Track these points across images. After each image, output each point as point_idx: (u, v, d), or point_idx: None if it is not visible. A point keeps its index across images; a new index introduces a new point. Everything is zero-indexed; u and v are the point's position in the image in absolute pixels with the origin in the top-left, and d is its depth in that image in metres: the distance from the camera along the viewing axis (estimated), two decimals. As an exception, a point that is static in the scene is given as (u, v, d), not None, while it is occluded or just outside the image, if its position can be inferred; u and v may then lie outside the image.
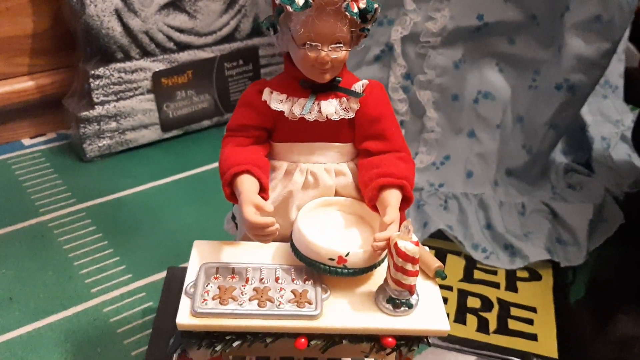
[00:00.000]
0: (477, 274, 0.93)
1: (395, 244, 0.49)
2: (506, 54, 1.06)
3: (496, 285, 0.92)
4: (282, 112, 0.56)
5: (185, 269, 0.56)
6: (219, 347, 0.51)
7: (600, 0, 0.94)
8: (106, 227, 0.99)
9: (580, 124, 1.20)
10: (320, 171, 0.58)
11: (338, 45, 0.52)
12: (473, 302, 0.88)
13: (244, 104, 0.58)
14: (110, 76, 1.11)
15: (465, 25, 1.02)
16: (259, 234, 0.52)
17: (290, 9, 0.50)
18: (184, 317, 0.50)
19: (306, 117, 0.55)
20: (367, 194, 0.56)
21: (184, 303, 0.52)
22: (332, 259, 0.52)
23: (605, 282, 0.91)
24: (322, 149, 0.58)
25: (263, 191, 0.55)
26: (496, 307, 0.87)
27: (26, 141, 1.22)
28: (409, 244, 0.49)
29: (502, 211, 1.02)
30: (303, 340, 0.51)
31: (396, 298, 0.52)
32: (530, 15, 1.01)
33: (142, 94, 1.16)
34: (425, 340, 0.53)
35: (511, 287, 0.92)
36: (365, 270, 0.53)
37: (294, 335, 0.51)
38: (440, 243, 0.98)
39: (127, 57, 1.12)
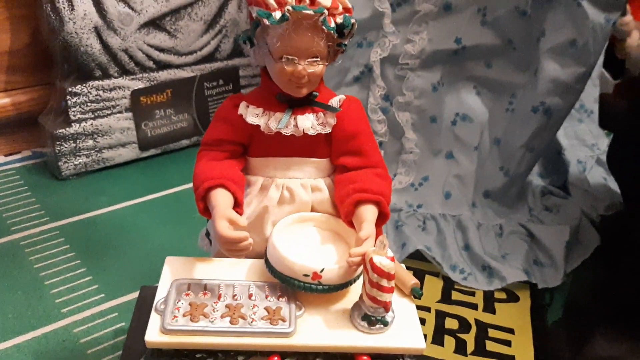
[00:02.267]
0: (455, 295, 0.93)
1: (371, 259, 0.49)
2: (483, 77, 1.07)
3: (474, 307, 0.91)
4: (258, 126, 0.55)
5: None
6: None
7: (574, 25, 0.96)
8: (79, 246, 0.97)
9: (557, 148, 1.21)
10: (296, 187, 0.58)
11: (315, 59, 0.52)
12: (451, 324, 0.87)
13: (220, 118, 0.58)
14: (87, 94, 1.10)
15: (443, 49, 1.03)
16: (232, 249, 0.51)
17: (267, 22, 0.50)
18: (154, 335, 0.49)
19: (282, 131, 0.55)
20: (343, 209, 0.55)
21: (154, 320, 0.50)
22: (306, 275, 0.51)
23: (582, 304, 0.91)
24: (298, 164, 0.58)
25: (237, 206, 0.55)
26: (474, 329, 0.87)
27: (0, 159, 1.20)
28: (384, 259, 0.49)
29: (480, 232, 1.02)
30: (276, 358, 0.50)
31: (371, 315, 0.51)
32: (506, 39, 1.03)
33: (120, 112, 1.15)
34: (401, 359, 0.53)
35: (489, 308, 0.92)
36: (340, 286, 0.53)
37: (266, 353, 0.50)
38: (419, 264, 0.97)
39: (106, 75, 1.12)
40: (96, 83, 1.11)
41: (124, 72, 1.13)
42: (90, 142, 1.13)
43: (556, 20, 0.98)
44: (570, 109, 1.03)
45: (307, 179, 0.58)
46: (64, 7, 1.03)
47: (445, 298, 0.92)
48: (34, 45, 1.14)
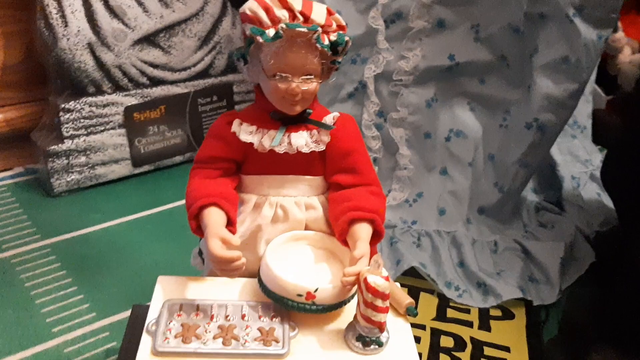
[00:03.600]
0: (450, 313, 0.92)
1: (365, 279, 0.48)
2: (477, 93, 1.07)
3: (469, 324, 0.91)
4: (252, 143, 0.55)
5: None
6: None
7: (567, 42, 0.96)
8: (71, 264, 0.96)
9: (550, 163, 1.21)
10: (290, 205, 0.57)
11: (308, 77, 0.52)
12: (446, 342, 0.86)
13: (213, 135, 0.57)
14: (81, 110, 1.10)
15: (437, 65, 1.03)
16: (225, 268, 0.50)
17: (261, 40, 0.50)
18: (145, 356, 0.48)
19: (276, 149, 0.55)
20: (338, 227, 0.55)
21: (145, 341, 0.50)
22: (300, 295, 0.51)
23: (577, 321, 0.91)
24: (292, 182, 0.57)
25: (231, 225, 0.54)
26: (469, 347, 0.86)
27: (-8, 175, 1.19)
28: (379, 279, 0.48)
29: (475, 249, 1.02)
30: None
31: (366, 336, 0.50)
32: (500, 56, 1.03)
33: (113, 128, 1.14)
34: None
35: (484, 326, 0.91)
36: (335, 306, 0.52)
37: None
38: (413, 281, 0.97)
39: (99, 91, 1.11)
40: (89, 99, 1.10)
41: (118, 88, 1.13)
42: (83, 159, 1.13)
43: (549, 37, 0.98)
44: (563, 125, 1.03)
45: (301, 197, 0.58)
46: (58, 24, 1.03)
47: (441, 316, 0.91)
48: (27, 62, 1.13)
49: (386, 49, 1.03)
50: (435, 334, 0.87)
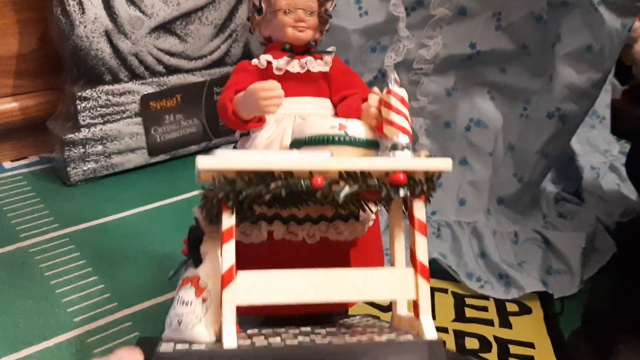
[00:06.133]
0: (469, 312, 0.90)
1: (388, 90, 0.54)
2: (498, 82, 1.06)
3: (490, 323, 0.89)
4: (270, 70, 0.64)
5: None
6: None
7: (591, 31, 0.95)
8: (90, 254, 0.95)
9: (569, 154, 1.20)
10: (308, 114, 0.63)
11: (310, 12, 0.65)
12: (471, 344, 0.85)
13: (237, 70, 0.66)
14: (97, 98, 1.09)
15: (457, 53, 1.02)
16: (268, 96, 0.57)
17: None
18: (204, 163, 0.46)
19: (289, 69, 0.64)
20: (352, 107, 0.61)
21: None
22: (333, 127, 0.53)
23: (601, 312, 0.90)
24: (306, 102, 0.64)
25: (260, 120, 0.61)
26: (495, 347, 0.84)
27: (7, 164, 1.18)
28: (399, 89, 0.54)
29: (496, 239, 1.01)
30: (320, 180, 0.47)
31: (396, 143, 0.53)
32: (521, 45, 1.02)
33: (129, 117, 1.13)
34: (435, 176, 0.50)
35: (505, 323, 0.89)
36: (366, 143, 0.54)
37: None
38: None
39: (116, 80, 1.10)
40: (106, 87, 1.09)
41: (134, 76, 1.12)
42: (99, 148, 1.12)
43: (572, 26, 0.97)
44: (585, 114, 1.02)
45: (317, 110, 0.65)
46: (75, 11, 1.02)
47: (460, 316, 0.90)
48: (43, 49, 1.12)
49: (407, 37, 1.01)
50: (459, 336, 0.85)
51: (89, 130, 1.10)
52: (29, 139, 1.19)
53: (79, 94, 1.07)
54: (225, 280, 0.44)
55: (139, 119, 1.15)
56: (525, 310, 0.92)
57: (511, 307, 0.92)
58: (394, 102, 0.53)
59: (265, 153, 0.51)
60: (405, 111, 0.53)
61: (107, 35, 1.06)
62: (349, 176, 0.47)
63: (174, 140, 1.21)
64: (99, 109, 1.10)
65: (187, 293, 0.50)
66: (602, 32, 0.95)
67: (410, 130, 0.53)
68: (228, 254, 0.44)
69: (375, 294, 0.47)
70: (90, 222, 1.03)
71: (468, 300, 0.92)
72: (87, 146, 1.10)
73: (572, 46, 0.97)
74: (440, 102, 1.05)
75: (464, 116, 1.07)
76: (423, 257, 0.48)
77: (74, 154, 1.10)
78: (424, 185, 0.49)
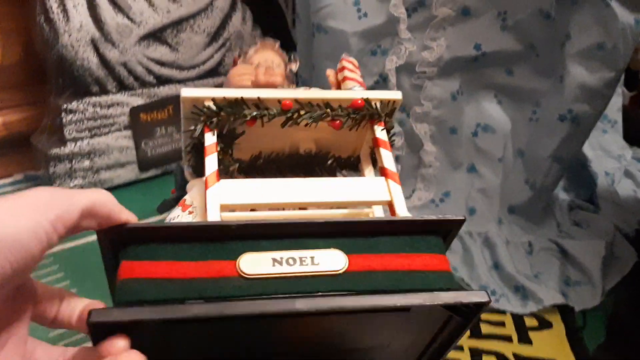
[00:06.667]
0: (485, 328, 0.84)
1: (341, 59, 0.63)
2: (504, 85, 1.01)
3: (508, 339, 0.83)
4: None
5: None
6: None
7: (602, 27, 0.90)
8: (75, 273, 0.89)
9: (581, 160, 1.15)
10: None
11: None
12: (489, 361, 0.79)
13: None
14: (84, 111, 1.03)
15: (462, 55, 0.97)
16: (241, 72, 0.64)
17: None
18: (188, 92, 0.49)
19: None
20: None
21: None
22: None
23: (626, 325, 0.84)
24: None
25: None
26: (514, 363, 0.78)
27: (-10, 183, 1.12)
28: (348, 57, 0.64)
29: (509, 250, 0.95)
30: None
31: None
32: (528, 44, 0.97)
33: (118, 130, 1.08)
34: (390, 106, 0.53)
35: (524, 339, 0.83)
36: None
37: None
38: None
39: (103, 91, 1.05)
40: (93, 99, 1.04)
41: (123, 87, 1.07)
42: (86, 163, 1.06)
43: (582, 23, 0.92)
44: (599, 116, 0.97)
45: None
46: (59, 19, 0.96)
47: (476, 333, 0.83)
48: (26, 61, 1.07)
49: (408, 39, 0.96)
50: (476, 354, 0.79)
51: (76, 145, 1.04)
52: (13, 155, 1.13)
53: (65, 106, 1.01)
54: (209, 182, 0.45)
55: (128, 132, 1.09)
56: (545, 324, 0.86)
57: (530, 322, 0.86)
58: (346, 64, 0.61)
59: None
60: (357, 71, 0.61)
61: (94, 44, 1.01)
62: (315, 105, 0.51)
63: (166, 154, 1.15)
64: (85, 121, 1.04)
65: (174, 212, 0.53)
66: (614, 28, 0.90)
67: (362, 81, 0.60)
68: (211, 163, 0.46)
69: (353, 198, 0.48)
70: (76, 241, 0.97)
71: (483, 316, 0.86)
72: (73, 161, 1.04)
73: (583, 44, 0.92)
74: (446, 107, 0.99)
75: (470, 121, 1.01)
76: (390, 165, 0.49)
77: (59, 169, 1.04)
78: (379, 110, 0.52)
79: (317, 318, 0.38)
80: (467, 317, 0.40)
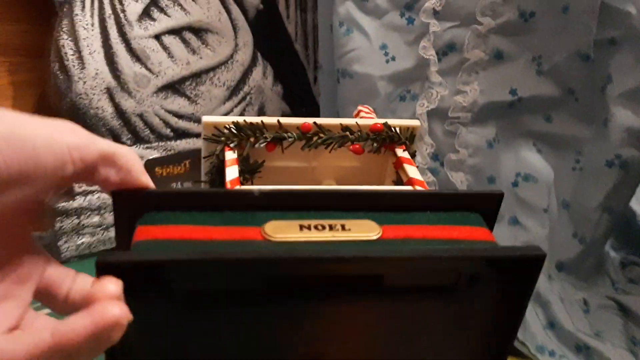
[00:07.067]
0: None
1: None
2: (543, 132, 0.95)
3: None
4: None
5: None
6: None
7: (645, 67, 0.85)
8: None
9: (626, 214, 1.06)
10: None
11: None
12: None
13: None
14: (95, 163, 0.97)
15: (497, 100, 0.92)
16: None
17: None
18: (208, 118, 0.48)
19: None
20: None
21: None
22: None
23: None
24: None
25: None
26: None
27: (-9, 244, 1.04)
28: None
29: (565, 307, 0.84)
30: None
31: None
32: (567, 89, 0.92)
33: (131, 184, 1.01)
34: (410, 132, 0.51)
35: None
36: None
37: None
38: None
39: (117, 142, 0.99)
40: (106, 151, 0.98)
41: (138, 139, 1.01)
42: (96, 219, 0.98)
43: (624, 63, 0.87)
44: (650, 161, 0.90)
45: None
46: (74, 65, 0.93)
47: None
48: (39, 113, 1.02)
49: (439, 83, 0.92)
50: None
51: (85, 199, 0.97)
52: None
53: (76, 157, 0.95)
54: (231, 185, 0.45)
55: (142, 187, 1.02)
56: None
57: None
58: (362, 108, 0.58)
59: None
60: (373, 115, 0.57)
61: (109, 92, 0.96)
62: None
63: (181, 211, 1.08)
64: (97, 175, 0.98)
65: None
66: (658, 66, 0.85)
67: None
68: (232, 172, 0.45)
69: None
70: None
71: (542, 381, 0.75)
72: (81, 217, 0.97)
73: (626, 86, 0.87)
74: (482, 155, 0.93)
75: (509, 170, 0.94)
76: (417, 176, 0.47)
77: (66, 225, 0.96)
78: (399, 134, 0.51)
79: (357, 306, 0.35)
80: (523, 282, 0.34)
